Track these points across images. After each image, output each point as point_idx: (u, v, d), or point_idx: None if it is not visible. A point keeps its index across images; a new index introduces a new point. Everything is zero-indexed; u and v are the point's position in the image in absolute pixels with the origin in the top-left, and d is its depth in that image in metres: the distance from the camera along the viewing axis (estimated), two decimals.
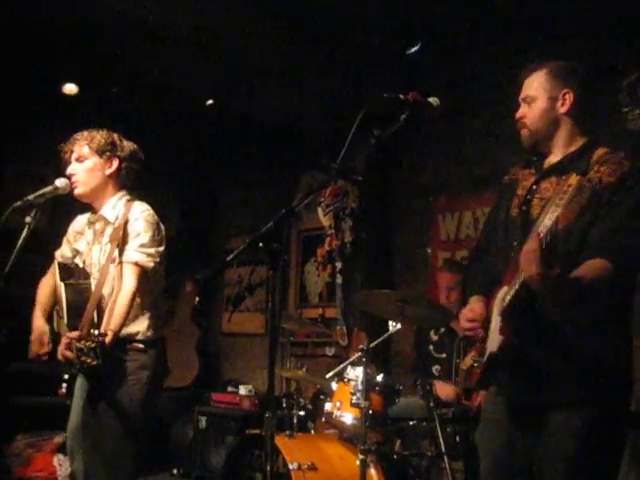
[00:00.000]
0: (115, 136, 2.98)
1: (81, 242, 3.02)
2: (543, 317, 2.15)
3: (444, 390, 3.98)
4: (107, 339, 2.56)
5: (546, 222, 2.03)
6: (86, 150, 2.91)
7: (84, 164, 2.91)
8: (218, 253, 6.89)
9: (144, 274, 2.80)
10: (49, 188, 2.80)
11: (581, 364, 2.14)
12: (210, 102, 5.72)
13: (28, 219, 2.70)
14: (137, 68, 5.14)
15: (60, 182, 2.83)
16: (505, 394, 2.30)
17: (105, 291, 2.82)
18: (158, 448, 5.61)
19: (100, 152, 2.91)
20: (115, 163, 2.94)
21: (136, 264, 2.78)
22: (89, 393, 2.83)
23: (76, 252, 3.03)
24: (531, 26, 4.26)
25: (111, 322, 2.67)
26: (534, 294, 2.08)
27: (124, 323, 2.71)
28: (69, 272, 2.91)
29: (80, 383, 2.90)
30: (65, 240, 3.11)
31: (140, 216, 2.87)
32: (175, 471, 5.67)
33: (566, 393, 2.14)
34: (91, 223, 2.99)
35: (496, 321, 2.25)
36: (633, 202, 2.10)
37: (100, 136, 2.93)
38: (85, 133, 2.95)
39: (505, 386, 2.29)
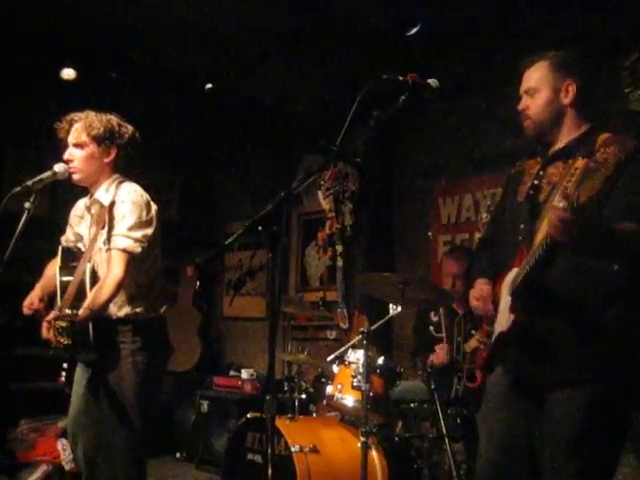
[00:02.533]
0: (114, 122, 2.93)
1: (81, 226, 3.02)
2: (554, 295, 2.19)
3: (437, 356, 4.03)
4: (79, 314, 2.57)
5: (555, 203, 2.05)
6: (84, 137, 2.86)
7: (82, 151, 2.87)
8: (218, 238, 6.89)
9: (132, 259, 2.77)
10: (48, 173, 2.79)
11: (589, 343, 2.16)
12: (209, 86, 5.70)
13: (27, 205, 2.70)
14: (135, 52, 5.11)
15: (59, 167, 2.82)
16: (511, 371, 2.33)
17: (101, 274, 2.81)
18: (160, 432, 5.64)
19: (99, 141, 2.87)
20: (113, 152, 2.91)
21: (124, 251, 2.75)
22: (90, 379, 2.85)
23: (79, 236, 3.03)
24: (531, 6, 4.22)
25: (88, 301, 2.68)
26: (554, 257, 2.10)
27: (104, 305, 2.70)
28: (71, 256, 2.92)
29: (80, 369, 2.91)
30: (68, 225, 3.11)
31: (126, 198, 2.82)
32: (178, 455, 5.71)
33: (572, 371, 2.17)
34: (87, 207, 2.98)
35: (506, 301, 2.28)
36: None
37: (99, 123, 2.87)
38: (84, 117, 2.89)
39: (512, 363, 2.32)
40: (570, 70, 2.34)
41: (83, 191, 3.05)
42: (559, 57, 2.37)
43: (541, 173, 2.36)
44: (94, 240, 2.83)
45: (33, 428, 4.89)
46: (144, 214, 2.82)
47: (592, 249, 2.09)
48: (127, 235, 2.76)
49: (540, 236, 2.16)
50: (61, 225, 3.17)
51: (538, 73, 2.36)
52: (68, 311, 2.55)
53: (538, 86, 2.34)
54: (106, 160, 2.90)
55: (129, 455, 2.79)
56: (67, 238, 3.09)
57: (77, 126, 2.89)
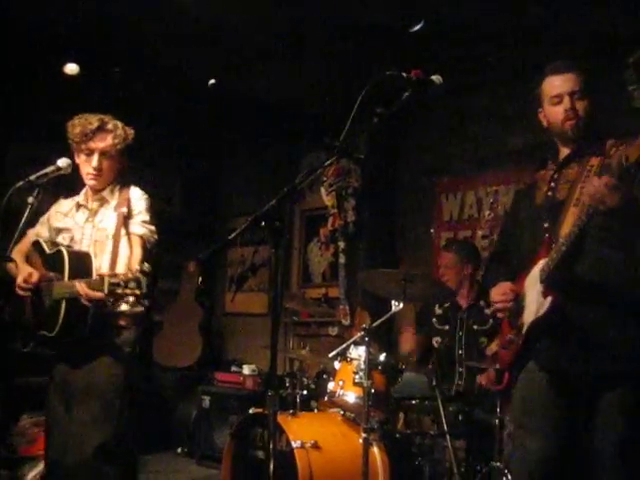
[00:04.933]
0: (132, 132, 3.04)
1: (66, 222, 3.05)
2: (585, 284, 2.24)
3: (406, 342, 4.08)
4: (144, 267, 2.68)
5: (580, 197, 2.22)
6: (117, 150, 2.97)
7: (111, 162, 2.98)
8: (221, 233, 6.89)
9: (146, 248, 2.93)
10: (51, 168, 2.81)
11: (626, 332, 2.20)
12: (212, 82, 5.69)
13: (30, 199, 2.71)
14: (138, 48, 5.11)
15: (62, 162, 2.84)
16: (546, 365, 2.34)
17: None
18: (162, 427, 5.66)
19: (124, 152, 3.01)
20: (126, 159, 3.05)
21: (141, 237, 2.92)
22: (66, 373, 2.87)
23: (57, 231, 3.06)
24: (536, 4, 4.21)
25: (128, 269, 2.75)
26: (582, 245, 2.17)
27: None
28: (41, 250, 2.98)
29: (58, 365, 2.94)
30: (43, 220, 3.12)
31: (142, 197, 3.03)
32: (179, 450, 5.72)
33: (616, 362, 2.19)
34: (80, 205, 3.05)
35: (536, 291, 2.32)
36: None
37: (128, 136, 3.00)
38: (114, 128, 2.96)
39: (546, 356, 2.33)
40: (593, 82, 2.46)
41: (83, 186, 3.07)
42: (589, 70, 2.48)
43: (556, 176, 2.46)
44: (119, 221, 2.91)
45: (35, 423, 4.89)
46: (152, 215, 3.02)
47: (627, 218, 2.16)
48: (144, 225, 2.95)
49: (566, 228, 2.25)
50: None
51: (581, 79, 2.45)
52: (135, 267, 2.66)
53: (584, 92, 2.43)
54: (122, 167, 3.05)
55: (117, 450, 2.81)
56: (38, 233, 3.10)
57: (109, 136, 2.95)
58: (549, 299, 2.25)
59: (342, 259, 5.85)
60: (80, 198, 3.07)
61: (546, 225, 2.40)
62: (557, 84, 2.46)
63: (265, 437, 3.59)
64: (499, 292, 2.48)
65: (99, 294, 2.58)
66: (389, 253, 5.68)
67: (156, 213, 3.07)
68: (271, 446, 2.09)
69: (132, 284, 2.52)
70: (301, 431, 3.54)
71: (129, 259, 2.86)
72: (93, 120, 2.94)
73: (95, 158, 2.94)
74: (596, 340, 2.21)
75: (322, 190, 5.96)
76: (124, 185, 3.05)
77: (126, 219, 2.92)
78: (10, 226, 2.78)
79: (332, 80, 5.39)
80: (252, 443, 3.73)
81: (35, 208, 2.73)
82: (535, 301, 2.33)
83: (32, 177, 2.74)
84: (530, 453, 2.38)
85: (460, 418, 3.71)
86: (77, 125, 2.95)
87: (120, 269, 2.78)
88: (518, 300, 2.42)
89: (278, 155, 6.49)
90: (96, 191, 3.02)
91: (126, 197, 2.98)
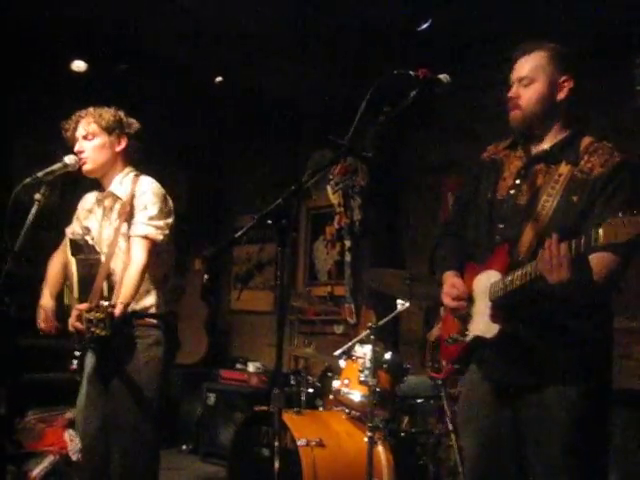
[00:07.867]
0: (121, 113, 2.97)
1: (90, 220, 3.02)
2: (538, 306, 2.13)
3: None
4: (116, 311, 2.53)
5: (542, 212, 2.11)
6: (94, 128, 2.88)
7: (93, 142, 2.89)
8: (227, 231, 6.89)
9: (154, 247, 2.78)
10: (58, 165, 2.80)
11: (572, 344, 2.14)
12: (219, 79, 5.70)
13: (38, 196, 2.70)
14: (145, 45, 5.12)
15: (69, 159, 2.83)
16: (492, 377, 2.28)
17: (117, 266, 2.80)
18: (167, 424, 5.66)
19: (109, 130, 2.90)
20: (124, 141, 2.94)
21: (145, 237, 2.77)
22: (98, 371, 2.85)
23: (86, 230, 3.02)
24: (544, 2, 4.20)
25: (121, 295, 2.66)
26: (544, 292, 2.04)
27: (134, 296, 2.70)
28: (78, 248, 2.91)
29: (90, 359, 2.91)
30: (75, 218, 3.10)
31: (147, 189, 2.86)
32: (184, 447, 5.75)
33: (559, 373, 2.15)
34: (99, 201, 2.98)
35: (485, 305, 2.21)
36: (626, 197, 2.09)
37: (108, 114, 2.91)
38: (91, 110, 2.92)
39: (492, 369, 2.28)
40: (569, 65, 2.24)
41: (92, 182, 3.05)
42: (558, 50, 2.26)
43: (522, 172, 2.30)
44: (116, 234, 2.83)
45: (41, 419, 4.90)
46: (164, 205, 2.87)
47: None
48: (148, 223, 2.79)
49: (523, 247, 2.16)
50: (71, 217, 3.18)
51: (535, 62, 2.23)
52: (104, 303, 2.52)
53: (534, 76, 2.22)
54: (117, 149, 2.93)
55: (148, 448, 2.81)
56: (73, 231, 3.08)
57: (85, 119, 2.91)
58: (497, 327, 2.14)
59: (348, 257, 5.85)
60: (98, 193, 3.01)
61: (501, 226, 2.27)
62: (513, 68, 2.28)
63: (270, 435, 3.60)
64: (452, 294, 2.32)
65: (81, 327, 2.57)
66: (395, 251, 5.68)
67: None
68: (276, 444, 2.09)
69: (100, 325, 2.46)
70: (306, 429, 3.55)
71: (126, 270, 2.73)
72: (75, 115, 2.93)
73: (77, 143, 2.90)
74: (538, 357, 2.16)
75: (328, 188, 5.96)
76: (135, 177, 2.93)
77: (129, 220, 2.80)
78: (17, 223, 2.78)
79: (339, 79, 5.38)
80: (257, 441, 3.73)
81: (42, 205, 2.72)
82: (483, 314, 2.21)
83: (39, 174, 2.72)
84: (468, 452, 2.39)
85: None
86: (64, 125, 2.95)
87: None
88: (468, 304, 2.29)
89: (284, 153, 6.49)
90: (102, 184, 2.96)
91: (132, 192, 2.84)
